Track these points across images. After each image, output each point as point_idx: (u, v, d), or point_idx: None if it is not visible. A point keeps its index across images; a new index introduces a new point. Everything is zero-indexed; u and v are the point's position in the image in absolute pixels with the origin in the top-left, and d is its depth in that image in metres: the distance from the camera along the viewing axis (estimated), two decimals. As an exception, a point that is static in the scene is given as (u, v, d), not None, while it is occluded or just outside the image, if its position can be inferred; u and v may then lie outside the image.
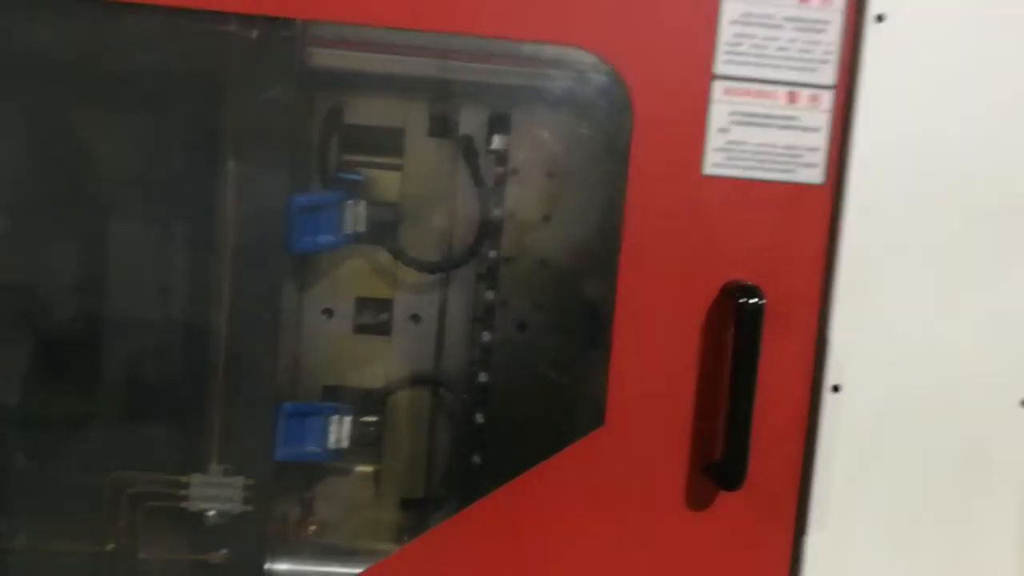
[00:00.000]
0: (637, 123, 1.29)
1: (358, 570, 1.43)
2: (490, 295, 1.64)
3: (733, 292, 1.28)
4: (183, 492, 1.48)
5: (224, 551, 1.48)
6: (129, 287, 1.53)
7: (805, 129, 1.30)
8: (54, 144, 1.51)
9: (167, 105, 1.50)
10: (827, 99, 1.30)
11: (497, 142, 1.62)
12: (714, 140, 1.30)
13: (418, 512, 1.67)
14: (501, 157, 1.61)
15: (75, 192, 1.52)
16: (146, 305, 1.53)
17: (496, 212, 1.61)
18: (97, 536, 1.48)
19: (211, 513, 1.48)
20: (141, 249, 1.53)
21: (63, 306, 1.53)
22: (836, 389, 1.32)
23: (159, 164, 1.53)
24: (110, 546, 1.47)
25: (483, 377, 1.65)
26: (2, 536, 1.48)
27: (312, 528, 1.65)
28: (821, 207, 1.31)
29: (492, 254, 1.63)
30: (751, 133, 1.30)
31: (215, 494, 1.48)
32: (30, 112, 1.50)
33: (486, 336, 1.65)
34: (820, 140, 1.30)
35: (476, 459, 1.65)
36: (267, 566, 1.53)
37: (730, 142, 1.30)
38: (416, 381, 1.67)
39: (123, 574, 1.49)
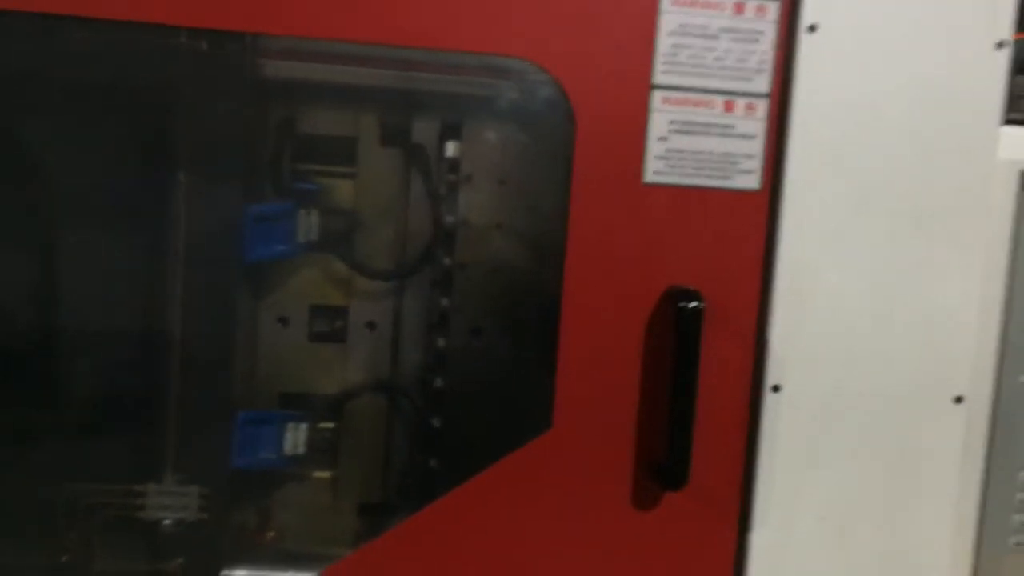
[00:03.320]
0: (579, 133, 1.32)
1: (316, 575, 1.45)
2: (444, 302, 1.66)
3: (674, 296, 1.31)
4: (139, 502, 1.48)
5: (180, 560, 1.49)
6: (83, 299, 1.53)
7: (742, 137, 1.34)
8: (3, 157, 1.51)
9: (119, 118, 1.50)
10: (762, 107, 1.34)
11: (450, 150, 1.64)
12: (654, 148, 1.33)
13: (376, 517, 1.69)
14: (453, 165, 1.63)
15: (26, 205, 1.52)
16: (100, 316, 1.53)
17: (449, 219, 1.63)
18: (52, 548, 1.48)
19: (167, 522, 1.49)
20: (94, 261, 1.53)
21: (15, 318, 1.53)
22: (776, 389, 1.36)
23: (112, 177, 1.53)
24: (64, 558, 1.48)
25: (438, 382, 1.67)
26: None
27: (270, 535, 1.67)
28: (758, 213, 1.35)
29: (446, 261, 1.65)
30: (690, 141, 1.33)
31: (171, 503, 1.49)
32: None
33: (441, 342, 1.67)
34: (756, 147, 1.34)
35: (433, 463, 1.67)
36: (224, 573, 1.54)
37: (669, 150, 1.33)
38: (372, 387, 1.69)
39: (80, 585, 1.49)
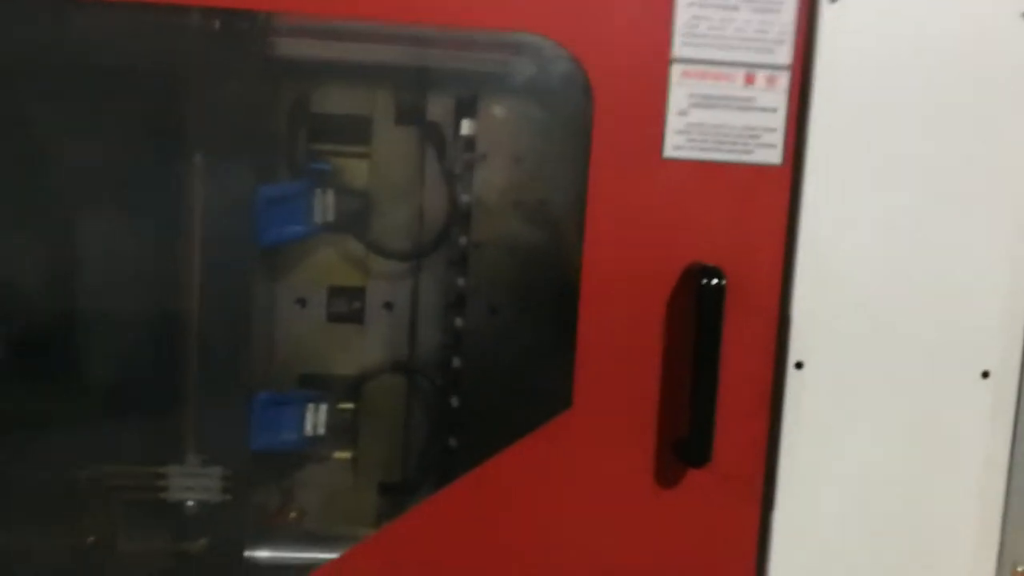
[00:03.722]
0: (597, 108, 1.30)
1: (336, 555, 1.45)
2: (461, 281, 1.66)
3: (695, 273, 1.29)
4: (161, 484, 1.49)
5: (204, 540, 1.50)
6: (100, 283, 1.53)
7: (763, 110, 1.32)
8: (18, 141, 1.51)
9: (131, 100, 1.50)
10: (784, 80, 1.31)
11: (465, 128, 1.62)
12: (674, 123, 1.31)
13: (397, 496, 1.69)
14: (469, 143, 1.62)
15: (42, 189, 1.52)
16: (118, 301, 1.53)
17: (465, 198, 1.62)
18: (77, 531, 1.49)
19: (190, 503, 1.49)
20: (111, 245, 1.53)
21: (33, 304, 1.53)
22: (799, 366, 1.34)
23: (126, 159, 1.53)
24: (91, 540, 1.49)
25: (456, 362, 1.66)
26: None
27: (292, 515, 1.67)
28: (780, 187, 1.33)
29: (462, 240, 1.64)
30: (710, 115, 1.31)
31: (193, 484, 1.49)
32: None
33: (458, 321, 1.66)
34: (778, 121, 1.32)
35: (452, 442, 1.67)
36: (247, 554, 1.55)
37: (689, 124, 1.31)
38: (391, 368, 1.68)
39: (104, 567, 1.50)
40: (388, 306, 1.68)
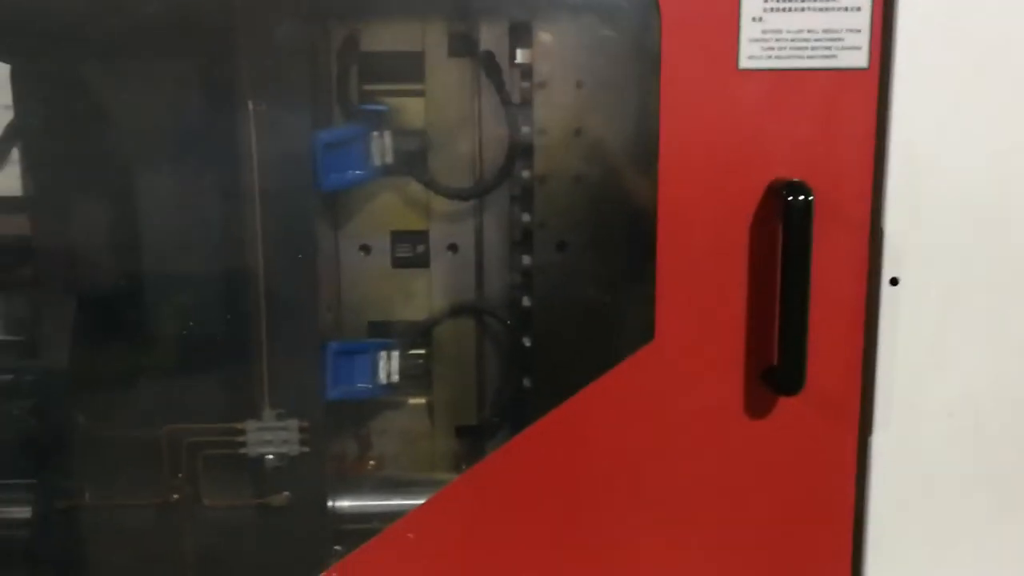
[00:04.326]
0: (665, 20, 1.22)
1: (419, 501, 1.44)
2: (526, 217, 1.61)
3: (779, 190, 1.22)
4: (240, 439, 1.49)
5: (286, 493, 1.50)
6: (166, 241, 1.51)
7: (846, 9, 1.22)
8: (73, 101, 1.49)
9: (180, 52, 1.46)
10: (868, -26, 1.21)
11: (521, 56, 1.55)
12: (748, 31, 1.22)
13: (474, 439, 1.67)
14: (526, 71, 1.55)
15: (101, 149, 1.50)
16: (183, 257, 1.52)
17: (526, 130, 1.56)
18: (162, 488, 1.50)
19: (269, 457, 1.49)
20: (175, 202, 1.51)
21: (101, 264, 1.53)
22: (894, 282, 1.26)
23: (180, 113, 1.50)
24: (175, 497, 1.50)
25: (526, 301, 1.62)
26: (71, 495, 1.51)
27: (371, 463, 1.67)
28: (867, 92, 1.23)
29: (525, 174, 1.59)
30: (787, 19, 1.22)
31: (271, 438, 1.49)
32: (46, 70, 1.47)
33: (526, 259, 1.62)
34: (863, 20, 1.22)
35: (527, 382, 1.64)
36: (330, 504, 1.55)
37: (765, 31, 1.22)
38: (459, 310, 1.65)
39: (190, 522, 1.51)
40: (453, 248, 1.64)
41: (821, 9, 1.22)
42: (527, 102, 1.55)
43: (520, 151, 1.56)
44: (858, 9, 1.22)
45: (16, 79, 1.45)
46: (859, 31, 1.22)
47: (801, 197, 1.19)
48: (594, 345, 1.55)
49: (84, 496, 1.51)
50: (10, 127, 1.49)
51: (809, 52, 1.23)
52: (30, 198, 1.51)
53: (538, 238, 1.60)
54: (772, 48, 1.23)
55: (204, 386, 1.51)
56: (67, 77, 1.47)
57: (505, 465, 1.32)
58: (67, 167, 1.49)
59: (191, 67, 1.48)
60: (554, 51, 1.54)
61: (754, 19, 1.22)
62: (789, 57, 1.23)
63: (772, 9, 1.22)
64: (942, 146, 1.24)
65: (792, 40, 1.23)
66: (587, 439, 1.30)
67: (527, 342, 1.63)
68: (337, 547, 1.49)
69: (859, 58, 1.23)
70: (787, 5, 1.22)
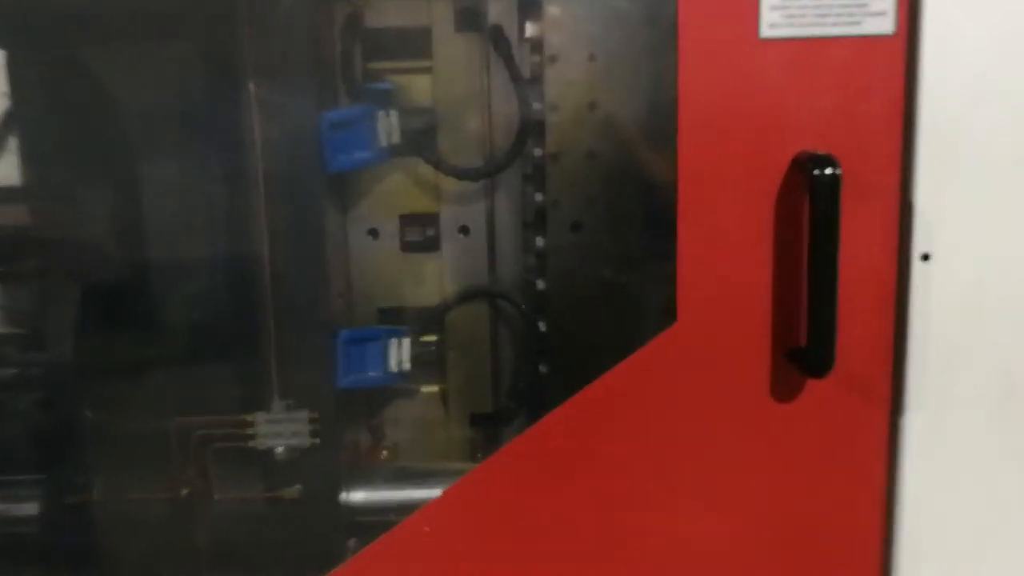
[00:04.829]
0: (683, -12, 1.16)
1: (434, 491, 1.40)
2: (539, 197, 1.56)
3: (805, 163, 1.17)
4: (250, 432, 1.45)
5: (297, 486, 1.46)
6: (170, 228, 1.48)
7: (871, -28, 1.16)
8: (73, 86, 1.44)
9: (180, 34, 1.42)
10: (894, -66, 1.16)
11: (530, 29, 1.50)
12: (769, -2, 1.17)
13: (489, 427, 1.63)
14: (536, 45, 1.50)
15: (102, 135, 1.46)
16: (188, 245, 1.48)
17: (537, 106, 1.51)
18: (171, 482, 1.46)
19: (279, 450, 1.45)
20: (179, 188, 1.47)
21: (104, 254, 1.49)
22: (926, 258, 1.21)
23: (182, 97, 1.45)
24: (185, 491, 1.46)
25: (541, 284, 1.58)
26: (81, 490, 1.48)
27: (384, 453, 1.63)
28: (894, 60, 1.18)
29: (537, 152, 1.54)
30: (810, -15, 1.17)
31: (281, 430, 1.45)
32: (44, 56, 1.43)
33: (539, 241, 1.57)
34: (889, -17, 1.17)
35: (542, 368, 1.59)
36: (342, 496, 1.51)
37: (787, -2, 1.17)
38: (472, 295, 1.61)
39: (201, 517, 1.48)
40: (464, 230, 1.60)
41: (845, -27, 1.16)
42: (538, 77, 1.50)
43: (531, 128, 1.51)
44: (884, -28, 1.16)
45: (12, 65, 1.41)
46: (885, -6, 1.17)
47: (828, 170, 1.14)
48: (612, 328, 1.51)
49: (92, 491, 1.48)
50: (7, 114, 1.45)
51: (832, 19, 1.18)
52: (31, 187, 1.47)
53: (552, 218, 1.55)
54: (794, 16, 1.18)
55: (212, 377, 1.48)
56: (65, 61, 1.43)
57: (525, 453, 1.28)
58: (67, 154, 1.45)
59: (191, 49, 1.43)
60: (565, 23, 1.48)
61: (775, -15, 1.17)
62: (812, 24, 1.18)
63: (794, -26, 1.17)
64: (973, 114, 1.19)
65: (815, 7, 1.18)
66: (610, 425, 1.25)
67: (542, 326, 1.58)
68: (351, 541, 1.45)
69: (885, 24, 1.18)
70: (810, -30, 1.17)
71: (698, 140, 1.19)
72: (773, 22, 1.18)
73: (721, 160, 1.19)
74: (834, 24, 1.18)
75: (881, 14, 1.18)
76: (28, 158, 1.47)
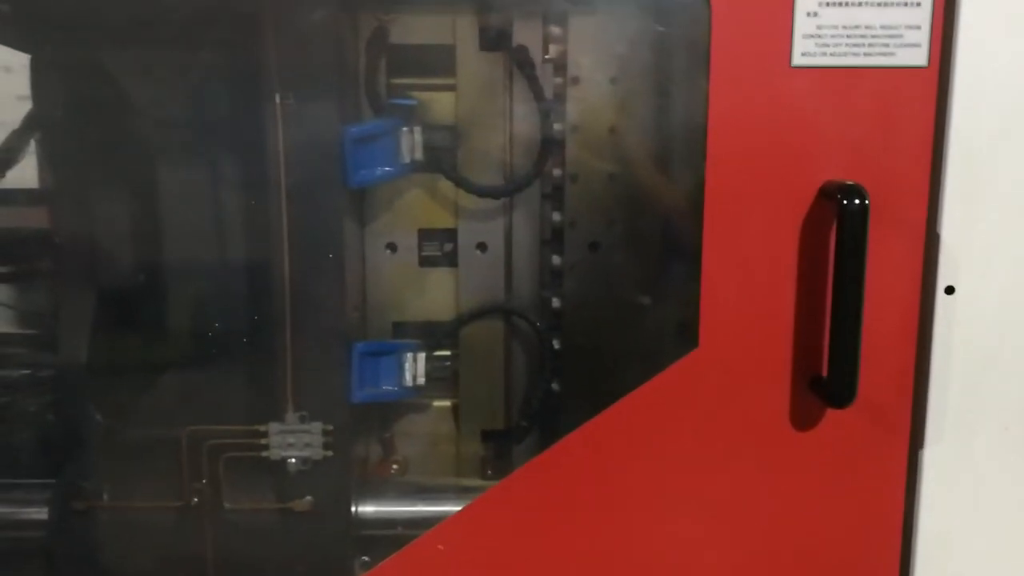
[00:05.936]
0: (715, 14, 1.17)
1: (445, 507, 1.40)
2: (557, 216, 1.56)
3: (833, 193, 1.17)
4: (262, 442, 1.44)
5: (309, 498, 1.45)
6: (189, 237, 1.47)
7: (905, 4, 1.17)
8: (97, 93, 1.44)
9: (206, 43, 1.41)
10: (929, -31, 1.16)
11: (554, 50, 1.50)
12: (802, 26, 1.17)
13: (501, 443, 1.63)
14: (559, 66, 1.50)
15: (125, 142, 1.46)
16: (207, 255, 1.48)
17: (558, 126, 1.51)
18: (182, 491, 1.45)
19: (292, 461, 1.44)
20: (200, 198, 1.47)
21: (122, 262, 1.48)
22: (950, 291, 1.22)
23: (206, 107, 1.45)
24: (195, 500, 1.45)
25: (556, 302, 1.58)
26: (90, 496, 1.47)
27: (395, 467, 1.62)
28: (926, 92, 1.19)
29: (557, 172, 1.54)
30: (843, 15, 1.17)
31: (294, 441, 1.44)
32: (69, 61, 1.43)
33: (556, 259, 1.57)
34: (923, 16, 1.17)
35: (555, 386, 1.59)
36: (354, 509, 1.50)
37: (820, 27, 1.17)
38: (487, 311, 1.60)
39: (211, 526, 1.47)
40: (481, 247, 1.60)
41: (879, 4, 1.17)
42: (560, 98, 1.50)
43: (552, 148, 1.51)
44: (918, 4, 1.17)
45: (36, 69, 1.41)
46: (919, 27, 1.17)
47: (857, 201, 1.14)
48: (626, 349, 1.51)
49: (102, 497, 1.47)
50: (30, 118, 1.45)
51: (866, 49, 1.18)
52: (51, 191, 1.46)
53: (569, 237, 1.55)
54: (827, 45, 1.18)
55: (226, 387, 1.47)
56: (91, 68, 1.43)
57: (543, 475, 1.27)
58: (90, 161, 1.45)
59: (217, 60, 1.43)
60: (588, 46, 1.49)
61: (809, 14, 1.17)
62: (845, 54, 1.18)
63: (828, 4, 1.17)
64: (1003, 149, 1.19)
65: (848, 36, 1.18)
66: (629, 448, 1.25)
67: (556, 345, 1.58)
68: (364, 557, 1.44)
69: (918, 56, 1.18)
70: (843, 0, 1.17)
71: (726, 165, 1.19)
72: (806, 50, 1.18)
73: (749, 186, 1.19)
74: (867, 55, 1.18)
75: (915, 46, 1.18)
76: (50, 162, 1.46)
